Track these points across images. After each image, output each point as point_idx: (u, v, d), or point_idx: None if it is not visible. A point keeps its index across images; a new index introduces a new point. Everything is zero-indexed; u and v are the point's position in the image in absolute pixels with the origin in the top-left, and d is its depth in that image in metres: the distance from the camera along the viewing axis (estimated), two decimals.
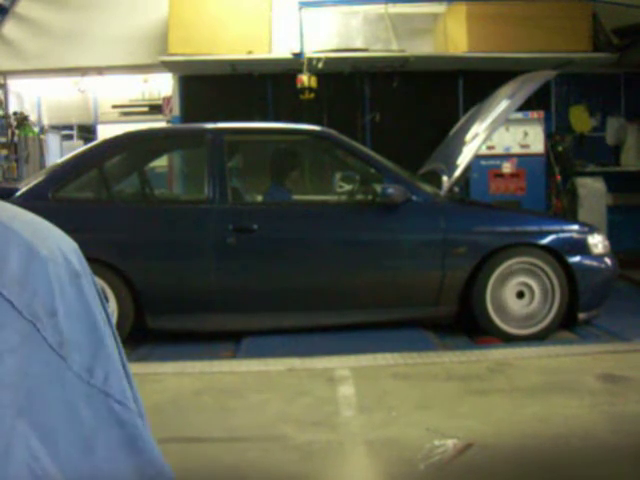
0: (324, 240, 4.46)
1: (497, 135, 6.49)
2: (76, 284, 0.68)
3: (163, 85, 8.97)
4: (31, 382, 0.57)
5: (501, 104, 4.79)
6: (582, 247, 4.47)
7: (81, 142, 9.32)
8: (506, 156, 7.02)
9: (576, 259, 4.41)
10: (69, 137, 10.07)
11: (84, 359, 0.64)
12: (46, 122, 9.58)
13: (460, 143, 4.98)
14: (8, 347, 0.56)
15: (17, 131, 8.32)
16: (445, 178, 4.61)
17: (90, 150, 4.68)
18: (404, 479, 2.32)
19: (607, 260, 4.54)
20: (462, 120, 5.83)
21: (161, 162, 7.08)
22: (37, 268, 0.62)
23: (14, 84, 8.69)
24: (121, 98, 9.58)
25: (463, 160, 4.67)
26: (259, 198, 5.08)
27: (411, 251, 4.43)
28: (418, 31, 7.74)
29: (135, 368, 3.16)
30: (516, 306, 4.39)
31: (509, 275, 4.38)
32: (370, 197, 4.55)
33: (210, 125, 4.67)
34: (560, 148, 7.38)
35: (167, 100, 8.88)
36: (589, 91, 8.03)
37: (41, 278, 0.62)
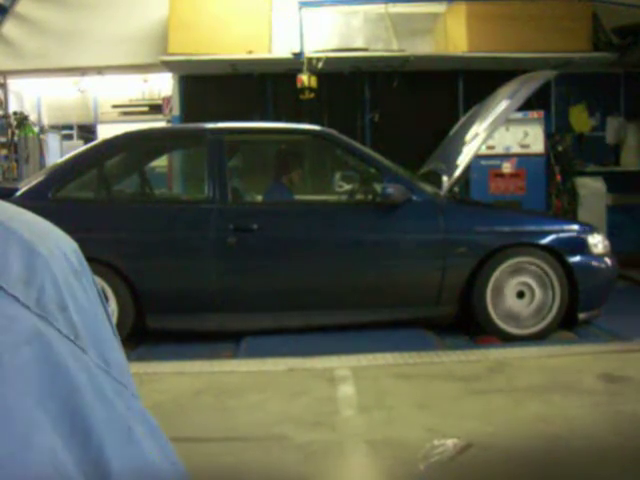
0: (324, 240, 4.46)
1: (497, 135, 6.48)
2: (79, 281, 0.68)
3: (163, 85, 8.96)
4: (54, 372, 0.57)
5: (501, 104, 4.79)
6: (582, 247, 4.47)
7: (81, 142, 9.30)
8: (506, 156, 7.00)
9: (576, 259, 4.41)
10: (69, 137, 10.05)
11: (99, 351, 0.64)
12: (46, 122, 9.56)
13: (460, 143, 4.98)
14: (23, 338, 0.56)
15: (17, 131, 8.31)
16: (445, 178, 4.61)
17: (90, 150, 4.68)
18: (404, 479, 2.32)
19: (607, 260, 4.54)
20: (462, 120, 5.83)
21: (161, 162, 7.07)
22: (40, 266, 0.62)
23: (14, 84, 8.69)
24: (121, 98, 9.57)
25: (463, 160, 4.67)
26: (259, 198, 5.08)
27: (411, 251, 4.43)
28: (418, 31, 7.74)
29: (135, 368, 3.16)
30: (516, 306, 4.39)
31: (509, 275, 4.38)
32: (370, 197, 4.55)
33: (210, 125, 4.67)
34: (560, 148, 7.36)
35: (167, 100, 8.88)
36: (589, 91, 8.02)
37: (46, 275, 0.62)
